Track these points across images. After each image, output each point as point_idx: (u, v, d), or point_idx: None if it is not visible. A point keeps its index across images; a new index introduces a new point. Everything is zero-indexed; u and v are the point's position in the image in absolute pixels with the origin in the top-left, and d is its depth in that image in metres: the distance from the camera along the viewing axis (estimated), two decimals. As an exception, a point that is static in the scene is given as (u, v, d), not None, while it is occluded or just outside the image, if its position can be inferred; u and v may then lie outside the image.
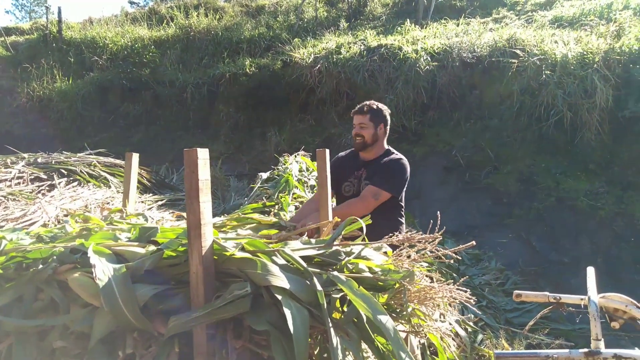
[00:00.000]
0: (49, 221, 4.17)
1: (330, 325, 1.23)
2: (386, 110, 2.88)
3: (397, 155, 2.85)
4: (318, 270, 1.40)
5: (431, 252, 1.44)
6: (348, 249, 1.50)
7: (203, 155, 1.43)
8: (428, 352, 3.01)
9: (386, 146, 2.91)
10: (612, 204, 5.58)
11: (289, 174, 4.52)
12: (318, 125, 9.09)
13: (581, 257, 5.14)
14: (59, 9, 11.49)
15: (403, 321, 1.36)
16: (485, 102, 7.67)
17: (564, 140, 6.60)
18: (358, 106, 2.89)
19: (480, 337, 3.40)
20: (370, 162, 2.85)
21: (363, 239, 2.04)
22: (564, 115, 6.48)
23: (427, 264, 1.94)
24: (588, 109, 6.34)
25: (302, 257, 1.49)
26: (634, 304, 1.66)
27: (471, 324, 3.54)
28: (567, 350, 1.28)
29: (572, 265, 5.12)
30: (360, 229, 1.58)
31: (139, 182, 6.55)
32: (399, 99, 8.13)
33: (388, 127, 2.89)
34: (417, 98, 8.09)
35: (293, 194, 4.37)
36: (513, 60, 7.20)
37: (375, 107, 2.83)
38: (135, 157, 2.94)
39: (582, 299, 1.72)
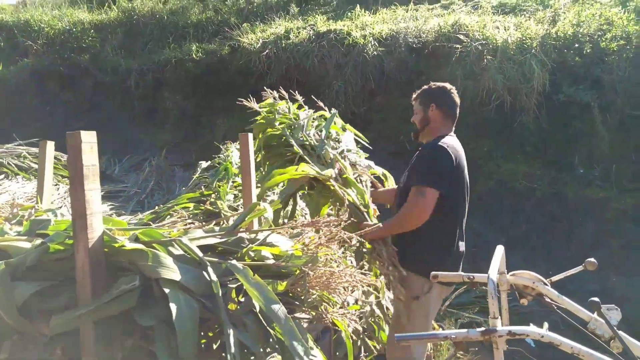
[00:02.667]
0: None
1: (225, 316, 1.17)
2: (444, 88, 2.40)
3: (434, 142, 2.28)
4: (216, 260, 1.34)
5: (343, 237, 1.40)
6: (253, 235, 1.44)
7: (89, 138, 1.32)
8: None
9: (445, 132, 2.36)
10: (547, 185, 5.80)
11: (229, 162, 4.40)
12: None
13: (518, 236, 5.33)
14: (-13, -11, 10.71)
15: (308, 308, 1.32)
16: (431, 88, 7.76)
17: (504, 124, 6.78)
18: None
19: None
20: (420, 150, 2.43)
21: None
22: (504, 100, 6.65)
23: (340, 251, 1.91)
24: (526, 93, 6.53)
25: (204, 246, 1.42)
26: (540, 280, 1.70)
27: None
28: (465, 330, 1.28)
29: (508, 244, 5.26)
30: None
31: (76, 173, 6.25)
32: (348, 85, 8.12)
33: (450, 108, 2.39)
34: (365, 84, 8.10)
35: (233, 182, 4.27)
36: (457, 46, 7.31)
37: (426, 87, 2.44)
38: (50, 145, 2.75)
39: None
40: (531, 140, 6.46)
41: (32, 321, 1.34)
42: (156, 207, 4.44)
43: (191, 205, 3.90)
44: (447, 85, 2.43)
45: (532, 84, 6.50)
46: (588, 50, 6.59)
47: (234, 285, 1.26)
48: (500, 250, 1.70)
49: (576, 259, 4.90)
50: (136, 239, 1.40)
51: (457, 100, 2.42)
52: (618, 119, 6.14)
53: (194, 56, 9.16)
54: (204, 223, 1.94)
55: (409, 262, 2.20)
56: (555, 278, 1.73)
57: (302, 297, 1.29)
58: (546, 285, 1.68)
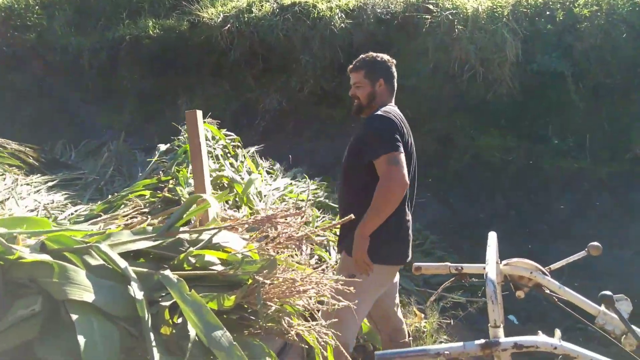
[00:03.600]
0: None
1: (151, 346, 0.89)
2: (389, 61, 2.31)
3: (378, 112, 2.17)
4: (146, 270, 1.04)
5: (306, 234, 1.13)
6: (195, 236, 1.15)
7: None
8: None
9: (383, 106, 2.24)
10: (522, 158, 5.68)
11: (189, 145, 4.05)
12: (233, 90, 8.52)
13: (496, 211, 5.20)
14: None
15: (266, 323, 1.05)
16: (401, 61, 7.40)
17: (478, 97, 6.61)
18: (354, 62, 2.36)
19: (396, 304, 3.24)
20: (361, 124, 2.33)
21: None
22: (476, 71, 6.45)
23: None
24: (499, 63, 6.35)
25: (136, 252, 1.12)
26: (539, 269, 1.48)
27: (386, 290, 3.38)
28: (461, 344, 1.04)
29: (487, 220, 5.17)
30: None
31: (24, 162, 5.76)
32: (316, 60, 7.77)
33: (394, 81, 2.34)
34: (334, 58, 7.76)
35: (193, 165, 3.93)
36: (427, 16, 7.04)
37: (371, 58, 2.29)
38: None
39: (484, 268, 1.51)
40: (506, 112, 6.31)
41: None
42: (109, 196, 4.07)
43: (148, 192, 3.56)
44: (389, 57, 2.36)
45: (504, 53, 6.31)
46: (560, 18, 6.43)
47: (168, 303, 0.97)
48: (493, 238, 1.46)
49: (557, 232, 4.80)
50: (42, 247, 1.09)
51: (396, 73, 2.40)
52: (591, 88, 6.04)
53: (151, 32, 8.60)
54: (148, 217, 1.63)
55: (347, 242, 2.04)
56: (554, 266, 1.52)
57: (258, 309, 1.02)
58: (545, 275, 1.46)
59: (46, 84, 8.69)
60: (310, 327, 1.10)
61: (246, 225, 1.18)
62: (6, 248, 1.04)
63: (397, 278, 2.46)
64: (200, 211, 1.23)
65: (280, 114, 7.63)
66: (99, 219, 1.94)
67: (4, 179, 5.07)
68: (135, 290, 0.95)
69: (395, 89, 2.38)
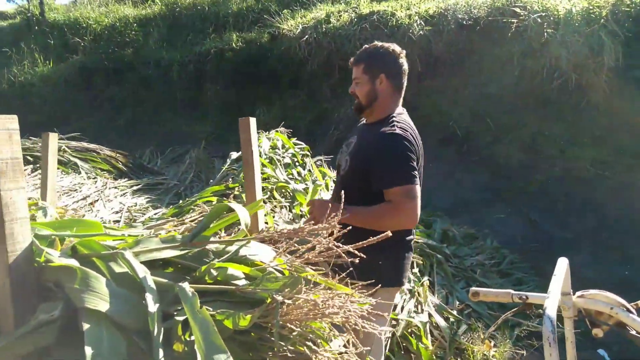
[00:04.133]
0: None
1: (159, 363, 0.84)
2: (395, 53, 1.90)
3: (392, 127, 1.82)
4: (166, 281, 1.01)
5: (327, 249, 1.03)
6: (222, 247, 1.10)
7: (7, 125, 1.03)
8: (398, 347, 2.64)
9: (396, 109, 1.92)
10: (620, 173, 5.08)
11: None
12: (310, 100, 8.62)
13: (586, 232, 4.69)
14: (40, -10, 11.07)
15: (280, 347, 0.96)
16: (484, 68, 7.11)
17: (569, 105, 6.06)
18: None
19: (463, 327, 3.01)
20: (365, 128, 1.99)
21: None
22: (568, 78, 5.92)
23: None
24: (595, 69, 5.78)
25: (163, 261, 1.10)
26: (622, 305, 1.25)
27: (455, 312, 3.15)
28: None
29: (575, 242, 4.68)
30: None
31: (114, 166, 6.23)
32: (393, 68, 7.62)
33: (401, 79, 1.92)
34: (411, 67, 7.51)
35: (262, 173, 3.98)
36: (513, 20, 6.61)
37: (372, 50, 1.92)
38: (53, 137, 2.55)
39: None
40: (601, 122, 5.71)
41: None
42: (180, 202, 4.24)
43: (214, 199, 3.65)
44: (396, 47, 1.94)
45: (601, 58, 5.73)
46: (670, 17, 5.72)
47: (182, 318, 0.92)
48: (563, 265, 1.26)
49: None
50: (74, 251, 1.10)
51: (407, 67, 1.94)
52: None
53: (234, 45, 8.98)
54: (192, 223, 1.63)
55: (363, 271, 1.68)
56: (644, 302, 1.27)
57: (274, 332, 0.94)
58: (630, 312, 1.22)
59: (140, 96, 9.38)
60: (338, 353, 1.00)
61: (272, 237, 1.10)
62: (38, 250, 1.07)
63: None
64: (228, 222, 1.18)
65: (355, 124, 7.54)
66: (152, 223, 2.00)
67: (95, 182, 5.49)
68: (150, 303, 0.91)
69: (404, 87, 1.96)
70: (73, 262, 1.02)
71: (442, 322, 2.89)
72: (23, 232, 1.06)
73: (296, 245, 1.05)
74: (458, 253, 4.25)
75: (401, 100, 1.96)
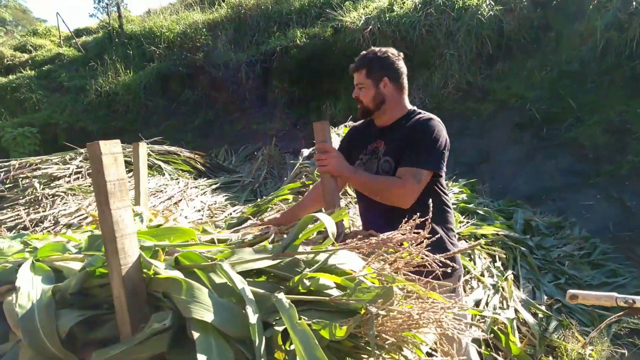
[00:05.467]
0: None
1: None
2: (393, 56, 1.98)
3: (424, 115, 1.97)
4: (262, 292, 1.06)
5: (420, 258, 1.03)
6: (311, 256, 1.14)
7: (111, 149, 1.12)
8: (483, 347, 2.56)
9: (409, 106, 2.02)
10: None
11: (329, 149, 4.14)
12: (376, 92, 8.53)
13: (689, 218, 4.27)
14: (117, 5, 11.84)
15: (376, 357, 0.98)
16: (562, 45, 6.66)
17: (664, 79, 5.52)
18: (355, 60, 2.05)
19: (553, 324, 2.86)
20: (387, 130, 2.01)
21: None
22: (662, 49, 5.39)
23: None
24: (694, 37, 5.21)
25: (254, 271, 1.15)
26: None
27: (543, 307, 3.01)
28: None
29: (676, 229, 4.27)
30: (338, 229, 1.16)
31: (193, 167, 6.57)
32: (462, 53, 7.36)
33: (402, 80, 1.99)
34: (481, 49, 7.25)
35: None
36: (595, -10, 6.12)
37: (371, 55, 1.98)
38: (143, 146, 2.74)
39: (665, 304, 1.21)
40: (703, 95, 5.15)
41: (77, 352, 1.21)
42: (258, 200, 4.39)
43: (291, 197, 3.75)
44: (394, 50, 2.01)
45: (701, 24, 5.16)
46: None
47: (281, 328, 0.96)
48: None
49: None
50: (177, 263, 1.18)
51: (405, 69, 2.02)
52: None
53: (298, 42, 9.09)
54: (276, 227, 1.68)
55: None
56: None
57: (370, 341, 0.95)
58: None
59: (211, 97, 9.79)
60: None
61: (361, 247, 1.11)
62: (145, 263, 1.16)
63: None
64: (315, 231, 1.21)
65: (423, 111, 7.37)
66: (241, 227, 2.10)
67: (178, 182, 5.83)
68: (250, 314, 0.96)
69: (406, 86, 2.02)
70: (178, 274, 1.10)
71: (530, 319, 2.77)
72: (132, 246, 1.16)
73: (385, 254, 1.06)
74: (543, 244, 4.04)
75: (407, 98, 2.06)
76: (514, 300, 2.92)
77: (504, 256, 3.30)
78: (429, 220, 1.09)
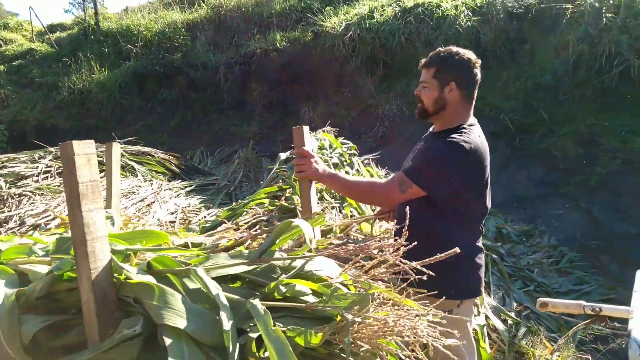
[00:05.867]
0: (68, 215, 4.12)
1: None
2: (470, 61, 1.76)
3: (456, 137, 1.70)
4: (237, 298, 1.04)
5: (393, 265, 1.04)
6: (288, 262, 1.13)
7: (84, 149, 1.09)
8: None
9: (466, 120, 1.79)
10: (691, 164, 4.75)
11: (306, 153, 4.13)
12: (354, 97, 8.60)
13: (653, 228, 4.43)
14: (94, 1, 11.60)
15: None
16: (536, 57, 6.84)
17: (632, 93, 5.73)
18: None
19: (522, 330, 2.91)
20: (433, 136, 1.88)
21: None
22: (630, 64, 5.59)
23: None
24: (660, 54, 5.43)
25: (229, 277, 1.14)
26: None
27: (513, 314, 3.06)
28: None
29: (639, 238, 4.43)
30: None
31: (168, 168, 6.46)
32: (439, 61, 7.46)
33: (473, 90, 1.78)
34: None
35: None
36: (567, 6, 6.31)
37: (447, 54, 1.78)
38: (116, 147, 2.67)
39: (630, 312, 1.24)
40: (667, 110, 5.37)
41: (42, 359, 1.17)
42: (234, 203, 4.34)
43: (267, 201, 3.72)
44: (472, 55, 1.79)
45: (667, 42, 5.38)
46: None
47: (256, 335, 0.95)
48: (642, 278, 1.20)
49: None
50: (149, 267, 1.15)
51: (480, 77, 1.81)
52: None
53: (278, 45, 9.08)
54: (252, 232, 1.66)
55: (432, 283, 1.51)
56: None
57: (345, 348, 0.95)
58: None
59: (189, 98, 9.68)
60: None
61: (339, 254, 1.11)
62: (117, 267, 1.13)
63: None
64: (292, 237, 1.20)
65: (400, 119, 7.47)
66: (215, 230, 2.08)
67: (151, 184, 5.72)
68: (224, 320, 0.95)
69: (475, 97, 1.83)
70: (150, 279, 1.08)
71: (500, 325, 2.82)
72: (103, 249, 1.13)
73: (362, 261, 1.06)
74: (513, 252, 4.12)
75: (472, 110, 1.85)
76: (485, 306, 2.97)
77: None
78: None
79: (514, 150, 6.15)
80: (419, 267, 1.03)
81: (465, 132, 1.72)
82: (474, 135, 1.74)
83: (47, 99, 10.03)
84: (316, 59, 8.76)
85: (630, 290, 1.35)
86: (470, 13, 7.41)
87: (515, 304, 3.22)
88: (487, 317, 2.87)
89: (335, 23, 8.69)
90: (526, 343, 2.74)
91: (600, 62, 5.84)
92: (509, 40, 7.18)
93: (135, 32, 10.81)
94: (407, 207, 1.33)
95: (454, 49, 1.80)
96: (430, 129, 1.97)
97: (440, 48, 1.84)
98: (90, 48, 10.84)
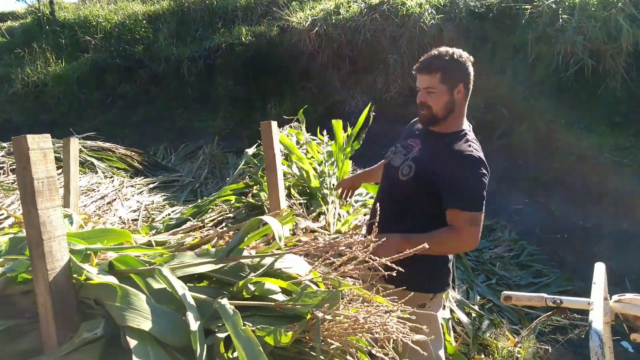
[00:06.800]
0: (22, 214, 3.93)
1: (204, 382, 0.85)
2: (468, 60, 1.82)
3: (473, 147, 1.78)
4: (204, 297, 1.02)
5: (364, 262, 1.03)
6: (256, 260, 1.10)
7: (40, 144, 1.04)
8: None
9: (464, 124, 1.86)
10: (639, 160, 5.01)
11: (273, 149, 4.09)
12: (321, 93, 8.59)
13: (606, 221, 4.64)
14: (49, -11, 11.11)
15: (325, 360, 0.96)
16: (497, 56, 7.02)
17: (586, 92, 5.96)
18: (422, 58, 1.86)
19: (486, 323, 2.99)
20: (431, 136, 1.87)
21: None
22: (584, 64, 5.82)
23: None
24: (612, 54, 5.67)
25: (196, 276, 1.11)
26: (659, 308, 1.23)
27: (476, 307, 3.14)
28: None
29: (595, 231, 4.63)
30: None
31: (130, 165, 6.28)
32: (404, 58, 7.56)
33: (470, 86, 1.84)
34: (423, 56, 7.48)
35: (279, 171, 3.96)
36: (527, 6, 6.50)
37: (451, 57, 1.79)
38: (74, 142, 2.57)
39: (590, 304, 1.29)
40: (620, 108, 5.62)
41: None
42: (199, 200, 4.26)
43: (233, 197, 3.66)
44: (465, 53, 1.85)
45: (619, 43, 5.62)
46: (690, -1, 5.58)
47: (224, 335, 0.93)
48: (601, 271, 1.24)
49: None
50: (111, 267, 1.11)
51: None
52: None
53: (244, 40, 8.96)
54: (218, 230, 1.63)
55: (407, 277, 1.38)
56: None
57: (316, 346, 0.94)
58: (669, 316, 1.21)
59: (151, 93, 9.42)
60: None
61: (308, 251, 1.10)
62: (76, 268, 1.08)
63: None
64: (261, 235, 1.18)
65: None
66: (178, 229, 2.02)
67: (112, 181, 5.54)
68: (191, 321, 0.92)
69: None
70: (112, 280, 1.04)
71: (464, 318, 2.88)
72: (61, 249, 1.07)
73: (331, 258, 1.05)
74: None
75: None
76: (450, 300, 3.03)
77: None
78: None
79: (476, 146, 6.30)
80: (388, 263, 1.03)
81: (470, 141, 1.79)
82: (477, 143, 1.82)
83: (-1, 92, 9.55)
84: (282, 54, 8.69)
85: (586, 282, 1.40)
86: (434, 11, 7.52)
87: (478, 297, 3.30)
88: (452, 311, 2.93)
89: (301, 18, 8.64)
90: (489, 335, 2.82)
91: (557, 61, 6.05)
92: (470, 38, 7.33)
93: (94, 23, 10.43)
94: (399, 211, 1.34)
95: (450, 50, 1.82)
96: (419, 126, 1.96)
97: (434, 51, 1.84)
98: (45, 39, 10.38)
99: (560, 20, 6.08)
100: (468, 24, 7.26)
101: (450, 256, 1.92)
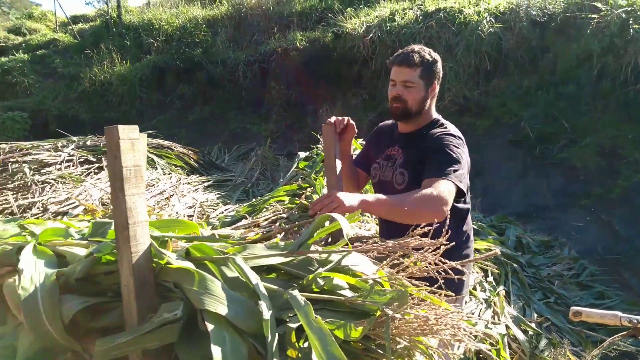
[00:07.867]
0: (92, 203, 4.17)
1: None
2: (439, 58, 1.91)
3: (449, 128, 1.87)
4: (276, 288, 1.05)
5: (433, 264, 1.03)
6: (324, 256, 1.13)
7: (129, 134, 1.10)
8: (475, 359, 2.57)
9: (435, 114, 1.94)
10: None
11: (326, 153, 4.14)
12: (372, 100, 8.59)
13: (675, 243, 4.35)
14: (117, -6, 11.76)
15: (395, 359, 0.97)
16: (559, 66, 6.77)
17: (657, 107, 5.64)
18: (400, 52, 1.87)
19: (543, 342, 2.88)
20: (409, 138, 1.91)
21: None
22: (656, 77, 5.51)
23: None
24: (687, 67, 5.34)
25: (267, 267, 1.14)
26: None
27: (533, 325, 3.02)
28: None
29: (663, 253, 4.35)
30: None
31: (186, 163, 6.51)
32: (460, 67, 7.43)
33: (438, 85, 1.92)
34: (480, 65, 7.33)
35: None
36: (593, 15, 6.23)
37: (428, 57, 1.84)
38: (143, 137, 2.69)
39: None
40: (693, 124, 5.27)
41: (79, 339, 1.19)
42: (253, 199, 4.36)
43: (287, 198, 3.73)
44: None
45: (695, 55, 5.29)
46: None
47: (295, 325, 0.95)
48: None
49: None
50: (187, 254, 1.16)
51: None
52: None
53: (298, 44, 9.09)
54: (285, 226, 1.67)
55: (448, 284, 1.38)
56: None
57: (385, 345, 0.95)
58: None
59: (207, 94, 9.74)
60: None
61: (375, 252, 1.11)
62: (157, 252, 1.14)
63: None
64: (329, 231, 1.21)
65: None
66: (240, 224, 2.08)
67: (170, 177, 5.76)
68: (264, 309, 0.95)
69: None
70: (190, 265, 1.09)
71: (520, 335, 2.79)
72: (143, 234, 1.14)
73: (400, 258, 1.06)
74: (533, 262, 4.07)
75: None
76: (505, 315, 2.94)
77: (497, 271, 3.32)
78: (447, 226, 1.09)
79: (533, 159, 6.09)
80: (459, 267, 1.03)
81: (447, 124, 1.89)
82: (453, 125, 1.91)
83: (69, 90, 10.16)
84: (336, 60, 8.76)
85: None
86: (492, 20, 7.36)
87: (535, 315, 3.18)
88: (507, 327, 2.84)
89: (356, 24, 8.68)
90: (548, 355, 2.71)
91: (626, 74, 5.76)
92: (531, 48, 7.11)
93: (157, 26, 10.91)
94: None
95: (425, 48, 1.89)
96: (390, 132, 2.02)
97: (412, 47, 1.90)
98: (112, 40, 10.97)
99: (631, 30, 5.79)
100: (528, 33, 7.05)
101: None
